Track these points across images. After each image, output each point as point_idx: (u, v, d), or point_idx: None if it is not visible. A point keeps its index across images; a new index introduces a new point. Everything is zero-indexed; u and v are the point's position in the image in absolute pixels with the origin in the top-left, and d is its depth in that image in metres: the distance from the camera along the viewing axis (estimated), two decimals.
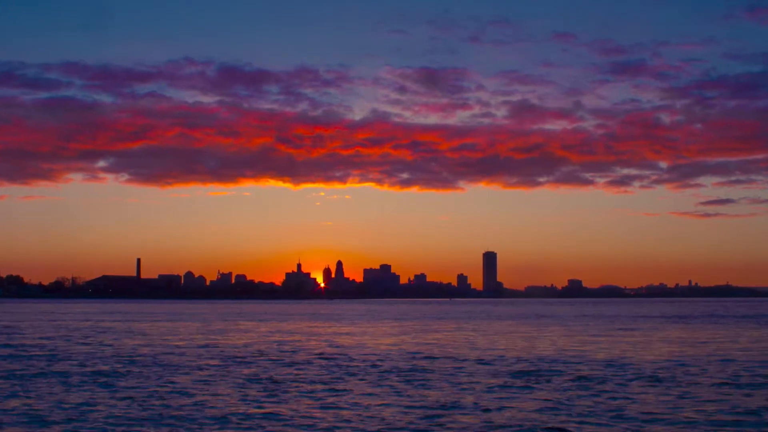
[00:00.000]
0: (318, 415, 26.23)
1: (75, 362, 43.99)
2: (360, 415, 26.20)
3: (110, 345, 58.18)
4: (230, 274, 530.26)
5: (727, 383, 34.22)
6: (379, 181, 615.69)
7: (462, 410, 26.99)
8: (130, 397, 29.93)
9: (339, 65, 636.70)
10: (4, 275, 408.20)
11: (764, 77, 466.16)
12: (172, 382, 34.55)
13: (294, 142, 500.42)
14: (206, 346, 57.37)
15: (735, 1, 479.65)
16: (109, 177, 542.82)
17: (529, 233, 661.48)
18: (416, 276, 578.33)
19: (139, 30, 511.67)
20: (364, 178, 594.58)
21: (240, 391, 31.67)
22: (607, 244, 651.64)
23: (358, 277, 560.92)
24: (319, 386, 33.32)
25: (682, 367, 41.09)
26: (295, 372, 39.07)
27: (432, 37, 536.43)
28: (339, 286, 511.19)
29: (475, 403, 28.38)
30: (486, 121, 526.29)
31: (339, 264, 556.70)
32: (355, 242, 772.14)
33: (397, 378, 36.20)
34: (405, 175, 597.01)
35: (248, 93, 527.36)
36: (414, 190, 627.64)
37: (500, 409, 27.24)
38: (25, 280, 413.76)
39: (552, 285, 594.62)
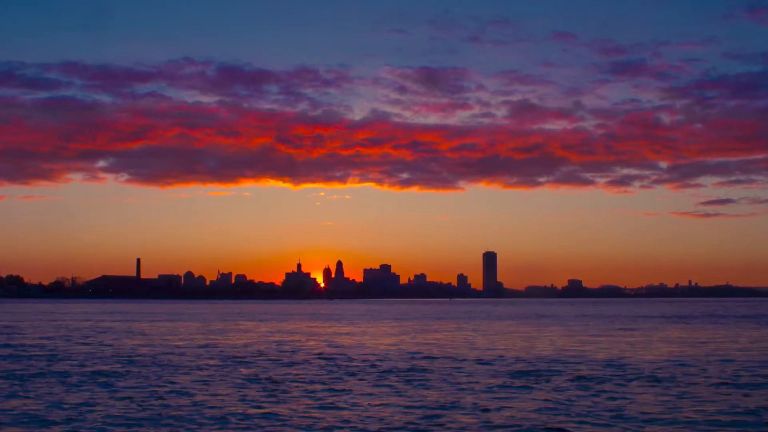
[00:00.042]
0: (317, 415, 26.22)
1: (74, 362, 43.99)
2: (359, 415, 26.20)
3: (110, 345, 58.18)
4: (230, 274, 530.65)
5: (726, 383, 34.22)
6: (379, 181, 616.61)
7: (461, 410, 26.98)
8: (130, 397, 29.92)
9: (339, 65, 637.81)
10: (4, 275, 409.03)
11: (764, 77, 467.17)
12: (172, 382, 34.54)
13: (294, 142, 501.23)
14: (206, 346, 57.37)
15: (735, 1, 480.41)
16: (109, 177, 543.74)
17: (529, 233, 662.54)
18: (416, 276, 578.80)
19: (139, 30, 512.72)
20: (364, 178, 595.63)
21: (239, 391, 31.66)
22: (607, 244, 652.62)
23: (358, 277, 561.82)
24: (319, 386, 33.32)
25: (682, 367, 41.09)
26: (295, 372, 39.06)
27: (432, 37, 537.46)
28: (339, 286, 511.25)
29: (475, 403, 28.37)
30: (486, 121, 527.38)
31: (339, 264, 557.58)
32: (355, 242, 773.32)
33: (396, 378, 36.20)
34: (405, 175, 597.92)
35: (248, 93, 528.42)
36: (414, 190, 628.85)
37: (499, 409, 27.24)
38: (25, 280, 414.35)
39: (552, 285, 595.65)
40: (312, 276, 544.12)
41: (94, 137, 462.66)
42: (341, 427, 24.10)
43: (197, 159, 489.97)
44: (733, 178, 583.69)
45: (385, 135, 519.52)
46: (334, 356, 48.09)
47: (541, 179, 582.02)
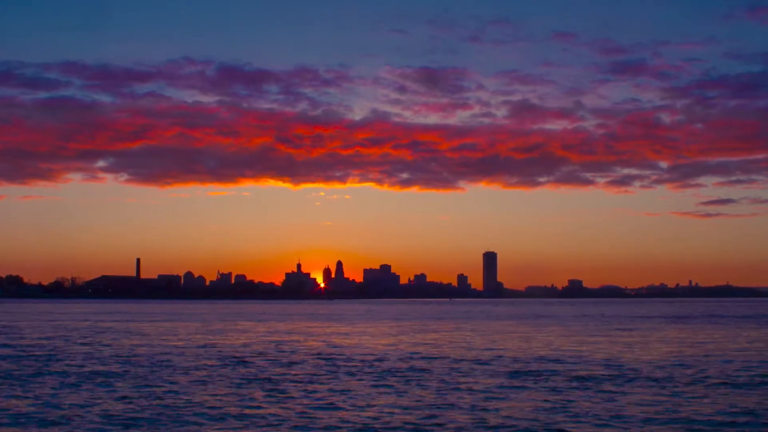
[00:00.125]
0: (315, 414, 26.23)
1: (73, 362, 44.00)
2: (358, 415, 26.21)
3: (109, 345, 58.19)
4: (230, 274, 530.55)
5: (724, 383, 34.23)
6: (379, 181, 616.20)
7: (459, 410, 26.99)
8: (128, 397, 29.94)
9: (339, 65, 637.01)
10: (3, 275, 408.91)
11: (765, 77, 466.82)
12: (170, 382, 34.55)
13: (294, 141, 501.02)
14: (205, 346, 57.38)
15: (735, 1, 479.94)
16: (109, 177, 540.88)
17: (530, 233, 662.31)
18: (416, 276, 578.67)
19: (139, 29, 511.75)
20: (364, 178, 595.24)
21: (238, 391, 31.67)
22: (607, 244, 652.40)
23: (358, 277, 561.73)
24: (317, 386, 33.33)
25: (680, 367, 41.09)
26: (293, 372, 39.07)
27: (432, 37, 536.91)
28: (339, 286, 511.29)
29: (472, 403, 28.38)
30: (486, 120, 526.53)
31: (339, 264, 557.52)
32: (355, 242, 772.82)
33: (394, 378, 36.21)
34: (405, 175, 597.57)
35: (248, 93, 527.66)
36: (414, 190, 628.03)
37: (497, 409, 27.25)
38: (25, 280, 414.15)
39: (552, 285, 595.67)
40: (312, 276, 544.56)
41: (93, 137, 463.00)
42: (339, 427, 24.11)
43: (197, 159, 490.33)
44: (734, 178, 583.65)
45: (385, 135, 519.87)
46: (333, 356, 48.10)
47: (541, 179, 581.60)
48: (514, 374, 37.52)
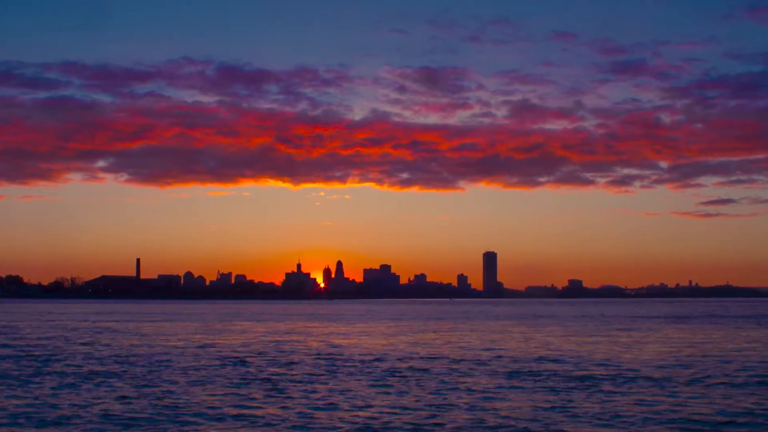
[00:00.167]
0: (313, 414, 26.23)
1: (72, 362, 43.99)
2: (356, 415, 26.20)
3: (108, 345, 58.19)
4: (230, 274, 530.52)
5: (724, 383, 34.22)
6: (379, 181, 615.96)
7: (457, 410, 26.98)
8: (127, 397, 29.94)
9: (339, 65, 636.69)
10: (3, 275, 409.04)
11: (765, 77, 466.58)
12: (170, 382, 34.55)
13: (294, 141, 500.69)
14: (204, 346, 57.37)
15: (735, 1, 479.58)
16: (108, 177, 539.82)
17: (530, 233, 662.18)
18: (416, 276, 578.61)
19: (139, 29, 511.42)
20: (364, 178, 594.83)
21: (236, 391, 31.67)
22: (607, 244, 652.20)
23: (358, 278, 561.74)
24: (315, 386, 33.33)
25: (680, 367, 41.08)
26: (292, 372, 39.06)
27: (432, 37, 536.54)
28: (339, 287, 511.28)
29: (471, 404, 28.38)
30: (486, 120, 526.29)
31: (339, 264, 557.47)
32: (355, 242, 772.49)
33: (394, 378, 36.20)
34: (405, 175, 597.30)
35: (248, 93, 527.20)
36: (414, 190, 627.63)
37: (496, 409, 27.24)
38: (25, 280, 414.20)
39: (552, 285, 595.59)
40: (312, 276, 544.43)
41: (93, 137, 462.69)
42: (338, 427, 24.11)
43: (197, 159, 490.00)
44: (734, 177, 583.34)
45: (385, 135, 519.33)
46: (332, 356, 48.09)
47: (541, 179, 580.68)
48: (513, 374, 37.52)
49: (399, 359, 45.89)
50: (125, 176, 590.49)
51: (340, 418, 25.67)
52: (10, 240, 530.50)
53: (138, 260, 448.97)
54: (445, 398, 29.68)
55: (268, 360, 45.75)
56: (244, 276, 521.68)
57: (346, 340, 64.77)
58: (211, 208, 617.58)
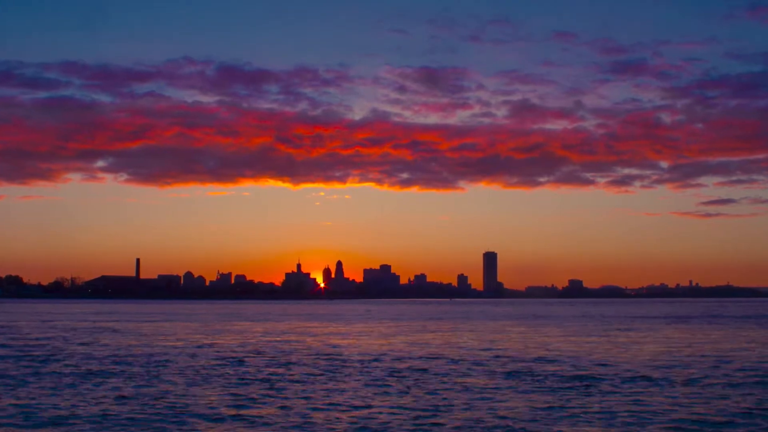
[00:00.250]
0: (312, 414, 26.22)
1: (71, 362, 43.99)
2: (354, 415, 26.20)
3: (107, 345, 58.18)
4: (230, 274, 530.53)
5: (723, 383, 34.22)
6: (379, 181, 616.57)
7: (456, 410, 26.98)
8: (126, 397, 29.93)
9: (339, 65, 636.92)
10: (3, 275, 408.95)
11: (765, 77, 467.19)
12: (169, 382, 34.54)
13: (293, 141, 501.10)
14: (203, 346, 57.37)
15: (736, 1, 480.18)
16: (108, 177, 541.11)
17: (530, 233, 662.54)
18: (416, 276, 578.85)
19: (138, 29, 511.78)
20: (364, 178, 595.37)
21: (235, 391, 31.66)
22: (607, 244, 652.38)
23: (358, 278, 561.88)
24: (314, 386, 33.33)
25: (679, 367, 41.08)
26: (292, 372, 39.06)
27: (432, 37, 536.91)
28: (339, 287, 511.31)
29: (470, 403, 28.37)
30: (486, 120, 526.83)
31: (339, 264, 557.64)
32: (355, 242, 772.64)
33: (393, 378, 36.20)
34: (405, 175, 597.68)
35: (248, 92, 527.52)
36: (414, 190, 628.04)
37: (495, 409, 27.23)
38: (24, 280, 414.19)
39: (552, 285, 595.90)
40: (312, 276, 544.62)
41: (92, 137, 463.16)
42: (336, 428, 24.10)
43: (196, 159, 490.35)
44: (734, 177, 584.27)
45: (385, 135, 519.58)
46: (331, 356, 48.09)
47: (541, 179, 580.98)
48: (512, 374, 37.51)
49: (398, 359, 45.89)
50: (125, 176, 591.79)
51: (338, 418, 25.67)
52: (9, 240, 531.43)
53: (138, 260, 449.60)
54: (444, 398, 29.67)
55: (267, 360, 45.75)
56: (244, 276, 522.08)
57: (346, 340, 64.76)
58: (211, 208, 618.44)
